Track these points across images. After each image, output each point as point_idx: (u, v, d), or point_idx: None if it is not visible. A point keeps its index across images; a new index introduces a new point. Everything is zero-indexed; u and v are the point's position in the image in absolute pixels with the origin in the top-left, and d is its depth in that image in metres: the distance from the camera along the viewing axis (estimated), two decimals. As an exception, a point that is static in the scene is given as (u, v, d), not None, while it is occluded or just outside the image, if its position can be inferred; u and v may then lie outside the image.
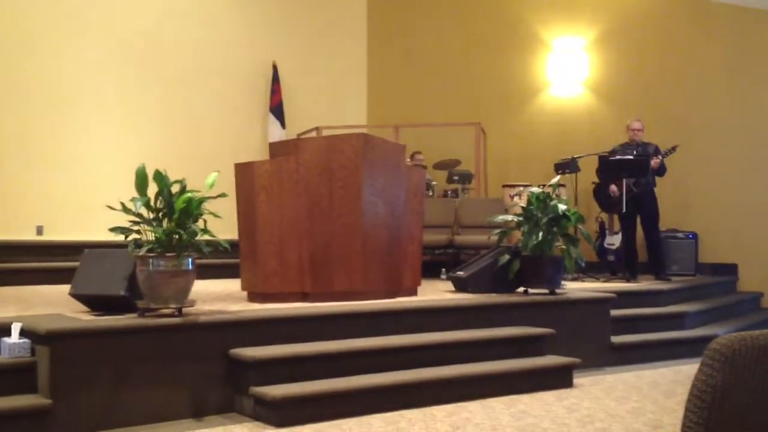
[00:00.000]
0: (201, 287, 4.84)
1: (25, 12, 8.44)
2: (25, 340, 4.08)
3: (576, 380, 5.34)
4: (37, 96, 8.42)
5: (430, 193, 9.17)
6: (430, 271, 7.57)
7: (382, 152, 5.87)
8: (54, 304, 5.28)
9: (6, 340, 4.08)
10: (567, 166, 8.60)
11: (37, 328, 4.05)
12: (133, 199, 4.41)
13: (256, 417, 4.22)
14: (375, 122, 10.57)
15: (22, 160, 8.27)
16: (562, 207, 5.99)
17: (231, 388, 4.41)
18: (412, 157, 9.36)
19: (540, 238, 5.94)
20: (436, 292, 6.32)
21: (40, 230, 8.28)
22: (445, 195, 9.67)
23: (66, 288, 4.83)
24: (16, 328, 4.09)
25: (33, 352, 4.10)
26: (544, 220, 5.98)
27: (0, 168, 8.14)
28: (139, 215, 4.42)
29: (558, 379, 5.25)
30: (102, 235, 7.20)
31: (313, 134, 9.11)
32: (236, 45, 9.93)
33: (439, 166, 10.07)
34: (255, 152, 9.29)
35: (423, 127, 9.92)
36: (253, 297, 5.53)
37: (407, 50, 10.95)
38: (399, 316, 5.23)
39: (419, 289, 6.11)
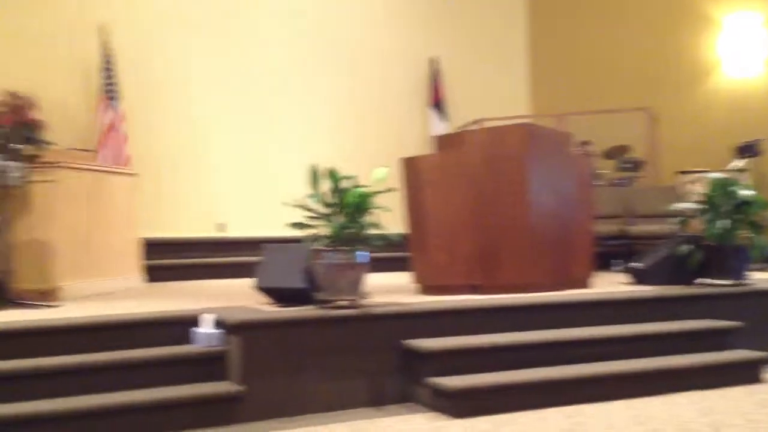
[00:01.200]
0: (374, 279, 4.95)
1: (205, 26, 8.99)
2: (218, 330, 4.35)
3: (765, 375, 5.00)
4: (218, 100, 8.96)
5: (599, 182, 8.90)
6: (601, 262, 7.34)
7: (547, 142, 5.76)
8: (238, 296, 5.58)
9: (200, 330, 4.37)
10: (750, 150, 8.07)
11: (227, 318, 4.31)
12: (308, 196, 4.59)
13: (433, 407, 4.27)
14: (539, 111, 10.39)
15: (204, 161, 8.83)
16: (746, 193, 5.64)
17: (406, 378, 4.49)
18: (581, 146, 9.12)
19: (723, 227, 5.62)
20: (611, 284, 6.12)
21: (221, 227, 8.79)
22: (615, 184, 9.35)
23: (246, 282, 5.11)
24: (208, 319, 4.36)
25: (224, 342, 4.35)
26: (728, 207, 5.64)
27: (185, 169, 8.72)
28: (314, 211, 4.59)
29: (745, 374, 4.93)
30: (279, 230, 7.56)
31: (476, 127, 9.08)
32: (396, 41, 10.09)
33: (607, 154, 9.75)
34: (415, 147, 9.40)
35: (590, 115, 9.64)
36: (425, 289, 5.60)
37: (570, 36, 10.68)
38: (572, 308, 5.11)
39: (591, 281, 5.94)
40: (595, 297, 5.34)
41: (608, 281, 6.39)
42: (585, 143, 9.36)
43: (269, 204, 8.40)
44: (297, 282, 4.73)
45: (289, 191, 5.38)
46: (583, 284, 5.84)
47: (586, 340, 4.82)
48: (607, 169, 9.45)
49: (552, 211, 5.66)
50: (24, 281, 5.48)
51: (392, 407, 4.39)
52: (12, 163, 5.44)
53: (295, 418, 4.18)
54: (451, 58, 10.33)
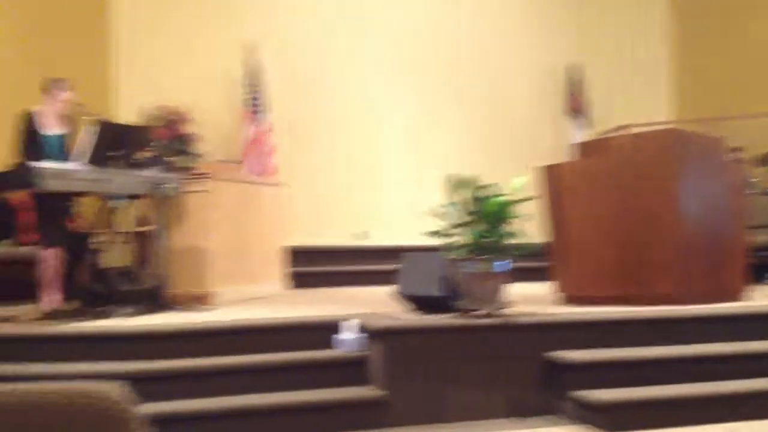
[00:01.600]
0: (514, 289, 4.90)
1: (344, 31, 9.24)
2: (361, 335, 4.44)
3: None
4: (358, 111, 9.17)
5: (752, 191, 8.41)
6: (754, 274, 6.93)
7: (697, 148, 5.51)
8: (380, 303, 5.67)
9: (344, 335, 4.48)
10: None
11: (370, 324, 4.39)
12: (446, 204, 4.61)
13: (577, 421, 4.18)
14: (685, 116, 9.96)
15: (345, 171, 9.04)
16: None
17: (549, 390, 4.41)
18: (731, 152, 8.66)
19: None
20: (766, 297, 5.77)
21: (365, 235, 8.96)
22: (768, 192, 8.80)
23: (387, 289, 5.18)
24: (352, 325, 4.46)
25: (366, 347, 4.44)
26: None
27: (328, 180, 8.97)
28: (453, 220, 4.60)
29: None
30: (419, 239, 7.64)
31: (620, 133, 8.80)
32: (531, 47, 9.96)
33: (760, 161, 9.20)
34: (549, 155, 9.23)
35: (740, 120, 9.13)
36: (567, 299, 5.49)
37: (717, 36, 10.18)
38: (724, 321, 4.86)
39: (744, 293, 5.62)
40: (749, 310, 5.05)
41: (762, 294, 6.02)
42: (736, 149, 8.87)
43: (409, 213, 8.51)
44: (435, 290, 4.76)
45: (428, 200, 5.43)
46: (735, 296, 5.53)
47: (740, 355, 4.57)
48: (759, 176, 8.91)
49: (702, 219, 5.41)
50: (180, 286, 5.81)
51: (533, 419, 4.33)
52: (168, 175, 5.79)
53: (435, 425, 4.20)
54: (589, 65, 10.08)
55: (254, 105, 8.54)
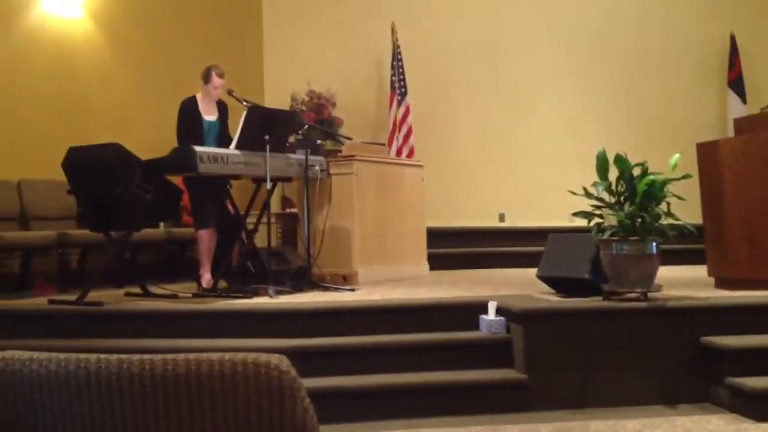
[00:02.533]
0: (664, 272, 4.70)
1: (481, 9, 9.14)
2: (501, 318, 4.42)
3: None
4: (496, 89, 9.06)
5: None
6: None
7: None
8: (519, 285, 5.62)
9: (484, 317, 4.47)
10: None
11: (511, 307, 4.36)
12: (594, 184, 4.47)
13: (732, 409, 3.98)
14: None
15: (485, 152, 8.97)
16: None
17: (702, 377, 4.22)
18: None
19: None
20: None
21: (502, 217, 8.90)
22: None
23: (527, 271, 5.13)
24: (492, 307, 4.45)
25: (507, 329, 4.42)
26: None
27: (466, 161, 8.94)
28: (601, 199, 4.46)
29: None
30: (561, 220, 7.48)
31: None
32: (686, 20, 9.45)
33: None
34: (711, 130, 8.76)
35: None
36: (721, 283, 5.22)
37: None
38: None
39: None
40: None
41: None
42: None
43: (549, 194, 8.35)
44: (582, 272, 4.66)
45: (569, 181, 5.30)
46: None
47: None
48: None
49: None
50: (326, 266, 5.99)
51: (684, 406, 4.16)
52: (315, 158, 5.95)
53: (580, 410, 4.11)
54: (750, 35, 9.46)
55: (398, 87, 8.62)
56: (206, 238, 5.76)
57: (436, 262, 7.21)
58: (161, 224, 6.66)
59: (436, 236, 7.42)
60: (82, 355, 1.39)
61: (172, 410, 1.34)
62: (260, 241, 6.04)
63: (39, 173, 6.46)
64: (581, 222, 4.59)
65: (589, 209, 4.51)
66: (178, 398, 1.32)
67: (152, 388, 1.34)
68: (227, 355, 1.30)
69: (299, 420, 1.32)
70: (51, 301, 5.12)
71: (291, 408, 1.31)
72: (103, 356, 1.35)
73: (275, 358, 1.31)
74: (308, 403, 1.34)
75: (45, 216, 6.51)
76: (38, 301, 5.21)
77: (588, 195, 4.49)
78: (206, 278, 5.74)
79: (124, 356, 1.36)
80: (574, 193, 4.51)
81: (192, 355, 1.35)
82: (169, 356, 1.36)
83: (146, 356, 1.36)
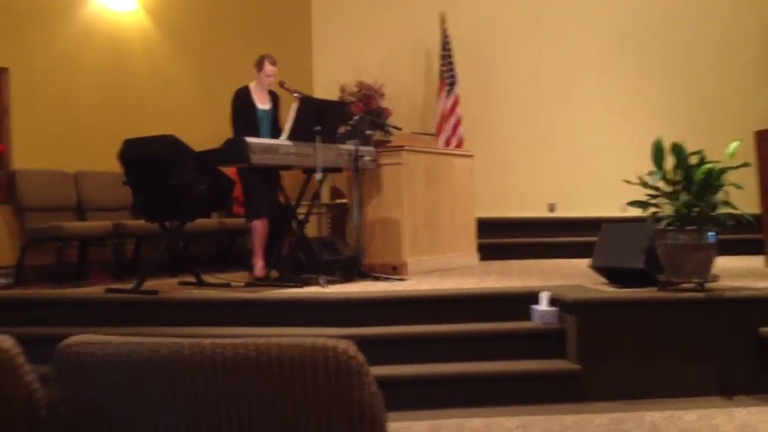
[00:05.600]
0: (721, 262, 4.62)
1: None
2: (554, 308, 4.39)
3: None
4: (547, 77, 8.96)
5: None
6: None
7: None
8: (570, 275, 5.57)
9: (536, 307, 4.44)
10: None
11: (564, 297, 4.32)
12: (650, 173, 4.40)
13: (792, 402, 3.90)
14: None
15: (535, 141, 8.90)
16: None
17: (760, 367, 4.14)
18: None
19: None
20: None
21: (552, 207, 8.82)
22: None
23: (577, 262, 5.07)
24: (545, 297, 4.42)
25: (559, 320, 4.39)
26: None
27: (516, 150, 8.87)
28: (657, 188, 4.39)
29: None
30: (611, 210, 7.39)
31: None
32: (746, 6, 9.22)
33: None
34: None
35: None
36: (780, 274, 5.11)
37: None
38: None
39: None
40: None
41: None
42: None
43: (599, 184, 8.26)
44: (637, 262, 4.59)
45: (620, 170, 5.21)
46: None
47: None
48: None
49: None
50: (375, 256, 6.01)
51: (742, 398, 4.08)
52: (364, 148, 5.97)
53: (635, 401, 4.06)
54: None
55: (447, 77, 8.59)
56: (259, 228, 5.82)
57: (486, 253, 7.18)
58: (214, 215, 6.75)
59: (485, 227, 7.38)
60: (155, 339, 1.42)
61: (242, 393, 1.36)
62: (311, 231, 6.08)
63: (95, 165, 6.60)
64: (632, 212, 4.53)
65: (645, 199, 4.44)
66: (249, 381, 1.34)
67: (223, 371, 1.36)
68: (297, 339, 1.31)
69: (367, 404, 1.33)
70: (108, 290, 5.23)
71: (359, 392, 1.32)
72: (175, 340, 1.38)
73: (344, 343, 1.32)
74: (375, 387, 1.35)
75: (101, 207, 6.65)
76: (95, 290, 5.33)
77: (644, 184, 4.42)
78: (258, 268, 5.81)
79: (194, 340, 1.38)
80: (630, 183, 4.44)
81: (261, 340, 1.37)
82: (239, 340, 1.39)
83: (217, 340, 1.38)
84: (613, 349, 4.16)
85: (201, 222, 6.17)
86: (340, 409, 1.33)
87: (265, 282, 5.54)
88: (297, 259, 5.65)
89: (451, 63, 8.59)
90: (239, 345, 1.38)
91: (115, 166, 5.37)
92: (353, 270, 5.65)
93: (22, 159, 6.32)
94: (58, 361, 1.45)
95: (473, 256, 6.97)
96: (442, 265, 6.40)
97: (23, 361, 1.49)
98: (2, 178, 6.05)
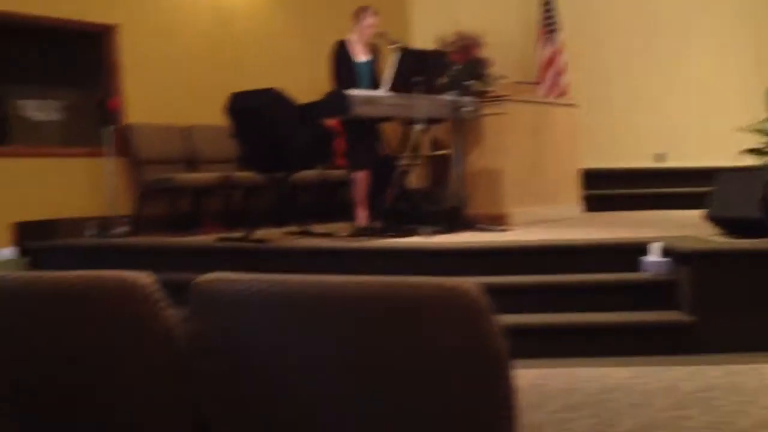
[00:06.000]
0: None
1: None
2: (666, 259, 4.27)
3: None
4: (654, 21, 8.61)
5: None
6: None
7: None
8: (679, 226, 5.40)
9: (646, 258, 4.34)
10: None
11: (677, 247, 4.21)
12: (765, 120, 4.21)
13: None
14: None
15: (642, 89, 8.59)
16: None
17: None
18: None
19: None
20: None
21: (659, 157, 8.52)
22: None
23: (686, 213, 4.90)
24: (656, 248, 4.30)
25: (671, 271, 4.27)
26: None
27: (622, 99, 8.60)
28: (774, 136, 4.20)
29: None
30: (721, 159, 7.09)
31: None
32: None
33: None
34: None
35: None
36: None
37: None
38: None
39: None
40: None
41: None
42: None
43: (709, 132, 7.93)
44: (753, 212, 4.41)
45: (731, 118, 5.00)
46: None
47: None
48: None
49: None
50: (477, 207, 5.99)
51: None
52: (465, 99, 5.91)
53: (751, 354, 3.93)
54: None
55: (548, 24, 8.37)
56: (361, 180, 5.89)
57: (591, 205, 7.04)
58: (316, 166, 6.85)
59: (590, 178, 7.22)
60: (283, 277, 1.47)
61: (368, 333, 1.39)
62: (412, 182, 6.10)
63: (205, 119, 6.80)
64: (745, 161, 4.35)
65: (760, 146, 4.26)
66: (373, 320, 1.37)
67: (347, 310, 1.39)
68: (414, 279, 1.33)
69: (494, 343, 1.34)
70: (219, 239, 5.42)
71: (486, 330, 1.33)
72: (303, 278, 1.42)
73: (467, 284, 1.33)
74: (500, 330, 1.36)
75: (211, 159, 6.87)
76: (207, 238, 5.54)
77: (758, 132, 4.23)
78: (361, 219, 5.89)
79: (321, 278, 1.42)
80: (743, 131, 4.26)
81: (386, 279, 1.40)
82: (363, 278, 1.41)
83: (341, 278, 1.42)
84: (728, 301, 4.04)
85: (304, 174, 6.29)
86: (465, 350, 1.34)
87: (368, 232, 5.61)
88: (399, 210, 5.70)
89: (552, 10, 8.35)
90: (365, 283, 1.41)
91: (223, 120, 5.52)
92: (455, 221, 5.65)
93: (135, 113, 6.57)
94: (194, 296, 1.52)
95: (577, 207, 6.84)
96: (545, 216, 6.32)
97: (162, 296, 1.58)
98: (118, 132, 6.32)
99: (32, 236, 5.75)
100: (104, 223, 5.98)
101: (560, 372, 3.72)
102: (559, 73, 8.33)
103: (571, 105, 6.90)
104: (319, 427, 1.41)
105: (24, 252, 5.64)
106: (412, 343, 1.35)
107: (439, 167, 7.56)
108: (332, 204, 7.25)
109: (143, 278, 1.59)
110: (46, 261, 5.46)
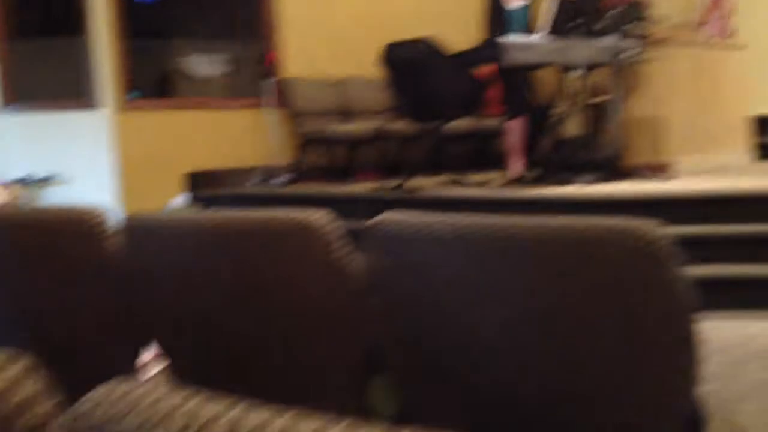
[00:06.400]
0: None
1: None
2: None
3: None
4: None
5: None
6: None
7: None
8: None
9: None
10: None
11: None
12: None
13: None
14: None
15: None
16: None
17: None
18: None
19: None
20: None
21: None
22: None
23: None
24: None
25: None
26: None
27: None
28: None
29: None
30: None
31: None
32: None
33: None
34: None
35: None
36: None
37: None
38: None
39: None
40: None
41: None
42: None
43: None
44: None
45: None
46: None
47: None
48: None
49: None
50: (636, 155, 5.77)
51: None
52: (625, 43, 5.67)
53: None
54: None
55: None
56: (516, 128, 5.82)
57: (764, 153, 6.61)
58: (470, 115, 6.83)
59: (764, 124, 6.77)
60: (465, 218, 1.50)
61: (550, 274, 1.39)
62: (569, 130, 5.97)
63: (360, 71, 6.91)
64: None
65: None
66: (554, 260, 1.38)
67: (524, 250, 1.41)
68: (602, 220, 1.32)
69: (676, 292, 1.32)
70: (374, 188, 5.56)
71: (670, 274, 1.31)
72: (485, 219, 1.45)
73: (651, 226, 1.31)
74: (684, 275, 1.33)
75: (367, 110, 7.00)
76: (362, 187, 5.69)
77: None
78: (516, 168, 5.84)
79: (497, 218, 1.44)
80: None
81: (559, 220, 1.40)
82: (541, 219, 1.42)
83: (516, 219, 1.43)
84: None
85: (457, 123, 6.28)
86: (651, 291, 1.32)
87: (523, 182, 5.56)
88: (555, 158, 5.60)
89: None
90: (540, 226, 1.42)
91: (377, 72, 5.60)
92: (614, 170, 5.49)
93: (293, 67, 6.79)
94: (370, 236, 1.59)
95: (746, 156, 6.45)
96: (710, 165, 6.00)
97: (338, 236, 1.66)
98: (278, 85, 6.56)
99: (201, 185, 6.12)
100: (267, 173, 6.27)
101: (726, 325, 3.58)
102: (726, 15, 7.79)
103: (738, 47, 6.46)
104: (492, 360, 1.45)
105: (194, 200, 6.02)
106: (592, 285, 1.35)
107: (597, 114, 7.33)
108: (486, 153, 7.22)
109: (320, 218, 1.67)
110: (215, 209, 5.80)
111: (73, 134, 6.17)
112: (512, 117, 5.83)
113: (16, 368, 0.58)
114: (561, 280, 1.37)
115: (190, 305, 1.81)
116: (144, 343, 1.89)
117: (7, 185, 2.56)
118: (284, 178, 6.21)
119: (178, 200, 6.01)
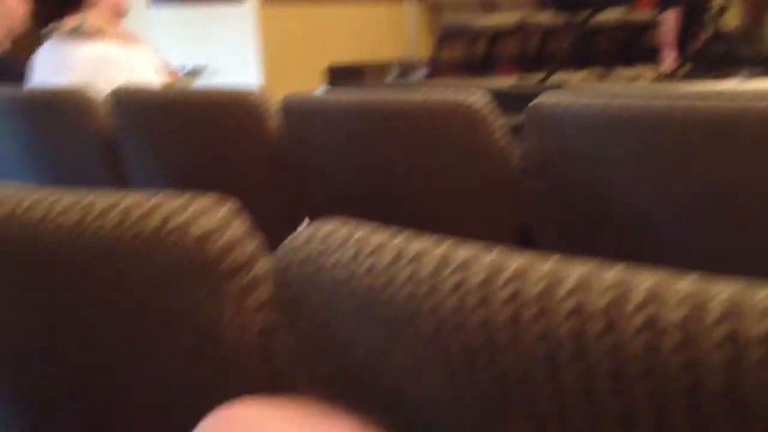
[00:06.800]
0: None
1: None
2: None
3: None
4: None
5: None
6: None
7: None
8: None
9: None
10: None
11: None
12: None
13: None
14: None
15: None
16: None
17: None
18: None
19: None
20: None
21: None
22: None
23: None
24: None
25: None
26: None
27: None
28: None
29: None
30: None
31: None
32: None
33: None
34: None
35: None
36: None
37: None
38: None
39: None
40: None
41: None
42: None
43: None
44: None
45: None
46: None
47: None
48: None
49: None
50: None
51: None
52: None
53: None
54: None
55: None
56: (670, 20, 5.47)
57: None
58: (618, 6, 6.48)
59: None
60: (624, 99, 1.43)
61: (712, 156, 1.33)
62: (729, 22, 5.57)
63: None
64: None
65: None
66: (719, 144, 1.30)
67: (689, 133, 1.33)
68: None
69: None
70: (516, 83, 5.41)
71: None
72: (649, 100, 1.38)
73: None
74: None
75: (508, 1, 6.75)
76: (504, 81, 5.55)
77: None
78: (669, 62, 5.52)
79: (658, 99, 1.37)
80: None
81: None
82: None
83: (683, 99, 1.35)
84: None
85: (606, 15, 5.97)
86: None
87: (676, 77, 5.26)
88: (711, 52, 5.26)
89: None
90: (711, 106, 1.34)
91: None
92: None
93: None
94: (531, 117, 1.55)
95: None
96: None
97: (496, 117, 1.63)
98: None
99: (341, 79, 6.16)
100: (405, 67, 6.22)
101: None
102: None
103: None
104: (653, 242, 1.40)
105: (334, 93, 6.08)
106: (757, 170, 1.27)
107: (758, 5, 6.79)
108: (637, 47, 6.86)
109: (476, 100, 1.64)
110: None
111: (220, 27, 6.32)
112: (666, 7, 5.48)
113: (222, 211, 0.60)
114: (727, 166, 1.29)
115: (344, 186, 1.84)
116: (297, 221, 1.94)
117: (173, 72, 2.68)
118: (422, 72, 6.15)
119: (319, 93, 6.08)
